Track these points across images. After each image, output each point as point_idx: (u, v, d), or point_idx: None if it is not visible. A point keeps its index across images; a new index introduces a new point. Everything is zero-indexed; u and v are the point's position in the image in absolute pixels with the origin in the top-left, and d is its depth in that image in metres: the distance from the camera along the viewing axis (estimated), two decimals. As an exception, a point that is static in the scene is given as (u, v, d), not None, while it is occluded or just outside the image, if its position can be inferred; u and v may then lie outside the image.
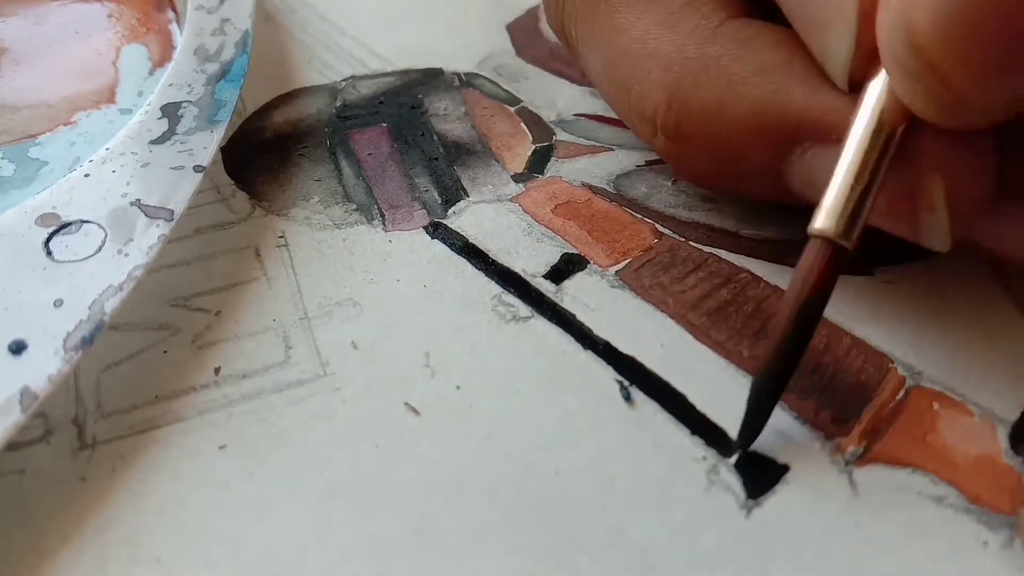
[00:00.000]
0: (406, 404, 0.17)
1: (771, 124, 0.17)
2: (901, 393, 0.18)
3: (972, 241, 0.17)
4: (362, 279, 0.20)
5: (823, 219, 0.15)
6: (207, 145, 0.20)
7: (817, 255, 0.16)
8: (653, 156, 0.23)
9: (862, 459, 0.17)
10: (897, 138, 0.15)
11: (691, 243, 0.20)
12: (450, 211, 0.21)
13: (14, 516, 0.16)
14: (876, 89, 0.16)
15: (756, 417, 0.17)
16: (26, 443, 0.17)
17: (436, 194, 0.22)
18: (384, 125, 0.24)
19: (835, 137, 0.16)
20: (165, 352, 0.18)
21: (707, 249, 0.20)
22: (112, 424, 0.17)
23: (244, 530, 0.16)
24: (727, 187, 0.20)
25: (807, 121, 0.17)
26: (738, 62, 0.17)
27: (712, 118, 0.18)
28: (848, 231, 0.15)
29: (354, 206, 0.21)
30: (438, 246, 0.20)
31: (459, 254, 0.20)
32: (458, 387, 0.18)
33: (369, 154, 0.23)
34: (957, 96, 0.14)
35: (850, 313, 0.19)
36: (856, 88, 0.16)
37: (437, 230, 0.21)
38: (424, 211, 0.21)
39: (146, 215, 0.18)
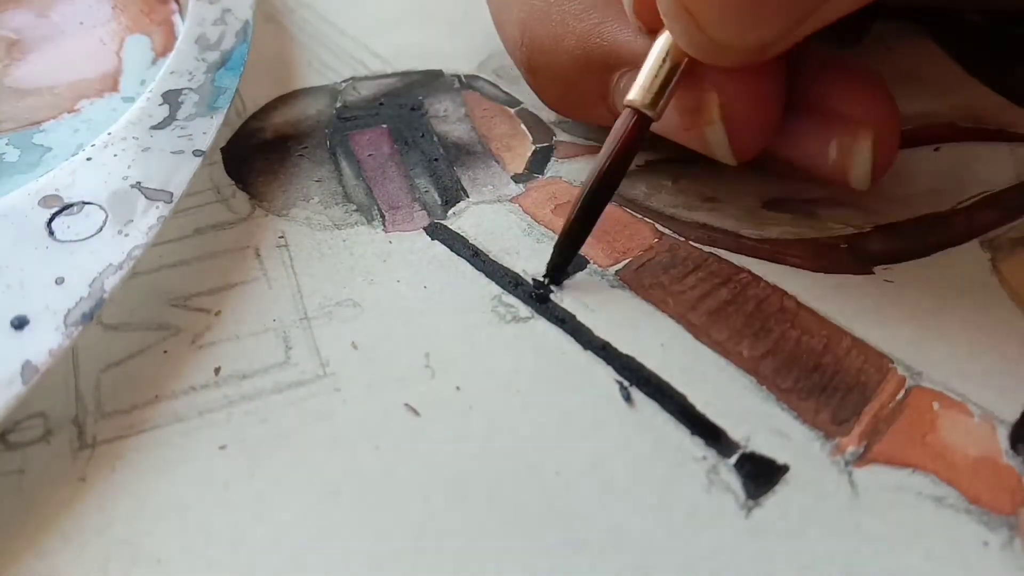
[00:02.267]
0: (406, 404, 0.17)
1: (592, 54, 0.20)
2: (901, 393, 0.18)
3: (776, 157, 0.20)
4: (362, 280, 0.20)
5: (635, 92, 0.18)
6: (206, 131, 0.21)
7: (628, 119, 0.18)
8: (653, 156, 0.23)
9: (862, 459, 0.17)
10: (682, 68, 0.18)
11: (691, 243, 0.20)
12: (450, 212, 0.21)
13: (14, 516, 0.16)
14: None
15: (562, 257, 0.19)
16: (26, 443, 0.17)
17: (436, 195, 0.22)
18: (384, 126, 0.24)
19: (642, 65, 0.18)
20: (165, 352, 0.18)
21: (707, 249, 0.20)
22: (112, 424, 0.17)
23: (244, 530, 0.16)
24: (575, 113, 0.23)
25: (621, 51, 0.19)
26: (572, 2, 0.20)
27: (551, 51, 0.21)
28: (653, 104, 0.18)
29: (354, 207, 0.22)
30: (438, 247, 0.20)
31: (459, 255, 0.20)
32: (458, 387, 0.18)
33: (369, 155, 0.23)
34: (710, 38, 0.17)
35: (850, 313, 0.19)
36: (652, 30, 0.19)
37: (437, 231, 0.21)
38: (424, 212, 0.21)
39: (146, 197, 0.19)
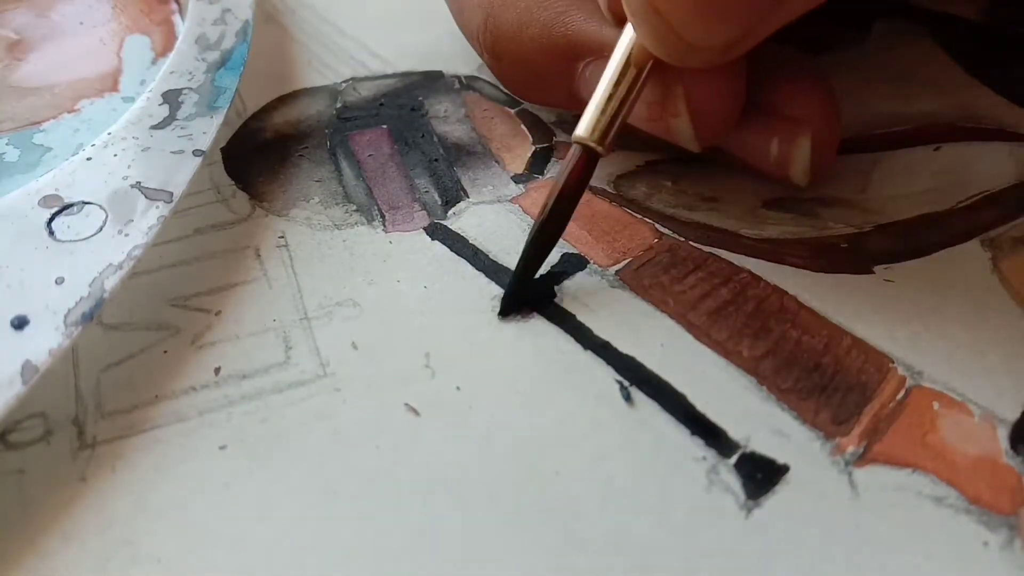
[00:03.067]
0: (406, 404, 0.17)
1: (556, 42, 0.20)
2: (901, 393, 0.18)
3: (728, 152, 0.21)
4: (362, 280, 0.20)
5: (582, 128, 0.18)
6: (206, 130, 0.21)
7: (575, 155, 0.19)
8: (653, 156, 0.23)
9: (862, 459, 0.17)
10: (647, 70, 0.18)
11: (691, 243, 0.20)
12: (450, 212, 0.21)
13: (14, 516, 0.16)
14: (630, 29, 0.18)
15: (515, 288, 0.19)
16: (26, 443, 0.17)
17: (436, 195, 0.22)
18: (384, 127, 0.24)
19: (607, 54, 0.19)
20: (165, 352, 0.18)
21: (707, 249, 0.20)
22: (112, 424, 0.17)
23: (244, 530, 0.16)
24: (539, 98, 0.23)
25: (584, 41, 0.20)
26: None
27: (515, 37, 0.21)
28: (601, 139, 0.18)
29: (354, 207, 0.22)
30: (438, 247, 0.20)
31: (459, 255, 0.20)
32: (458, 387, 0.18)
33: (369, 155, 0.23)
34: (678, 38, 0.17)
35: (850, 313, 0.19)
36: (621, 21, 0.19)
37: (437, 231, 0.21)
38: (424, 212, 0.21)
39: (146, 197, 0.19)
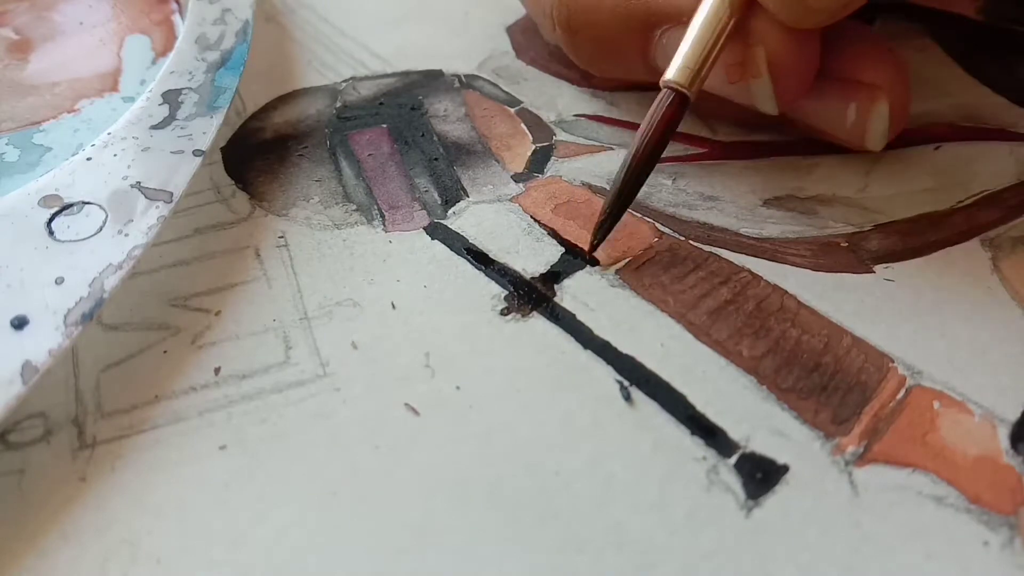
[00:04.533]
0: (406, 404, 0.17)
1: (635, 9, 0.21)
2: (901, 393, 0.18)
3: (801, 120, 0.21)
4: (362, 279, 0.20)
5: (673, 72, 0.19)
6: (206, 130, 0.21)
7: (665, 100, 0.19)
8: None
9: (862, 459, 0.16)
10: (732, 18, 0.19)
11: (691, 242, 0.20)
12: (450, 211, 0.21)
13: (14, 516, 0.16)
14: None
15: (604, 229, 0.20)
16: (26, 443, 0.17)
17: (436, 194, 0.22)
18: (384, 126, 0.24)
19: (684, 20, 0.20)
20: (165, 352, 0.18)
21: (707, 248, 0.20)
22: (112, 424, 0.17)
23: (244, 530, 0.16)
24: (612, 71, 0.23)
25: (663, 7, 0.20)
26: None
27: (592, 10, 0.22)
28: (691, 83, 0.19)
29: (354, 206, 0.22)
30: (438, 246, 0.20)
31: (459, 254, 0.20)
32: (458, 387, 0.18)
33: (369, 155, 0.23)
34: (807, 5, 0.18)
35: (850, 312, 0.19)
36: None
37: (437, 230, 0.21)
38: (424, 211, 0.21)
39: (146, 197, 0.19)
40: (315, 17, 0.28)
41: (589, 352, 0.18)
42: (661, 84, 0.19)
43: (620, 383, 0.18)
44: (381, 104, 0.25)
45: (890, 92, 0.20)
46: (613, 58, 0.22)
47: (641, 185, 0.20)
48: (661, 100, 0.19)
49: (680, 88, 0.19)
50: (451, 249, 0.20)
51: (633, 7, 0.21)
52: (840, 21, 0.19)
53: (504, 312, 0.19)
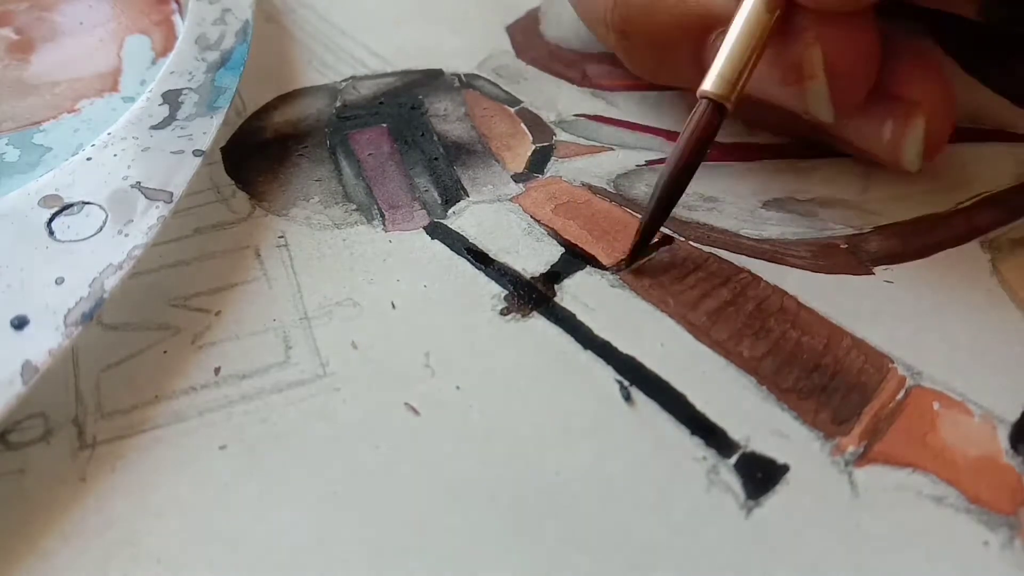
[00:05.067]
0: (406, 404, 0.17)
1: (690, 14, 0.21)
2: (901, 393, 0.18)
3: (840, 136, 0.21)
4: (362, 279, 0.20)
5: (711, 83, 0.19)
6: (206, 130, 0.21)
7: (703, 111, 0.19)
8: (653, 156, 0.23)
9: (862, 459, 0.17)
10: (773, 22, 0.19)
11: (691, 243, 0.20)
12: (450, 211, 0.21)
13: (14, 516, 0.16)
14: None
15: (643, 241, 0.20)
16: (26, 443, 0.17)
17: (436, 194, 0.22)
18: (384, 125, 0.24)
19: None
20: (165, 352, 0.18)
21: (707, 249, 0.20)
22: (112, 424, 0.17)
23: (244, 530, 0.16)
24: (667, 77, 0.23)
25: (719, 10, 0.20)
26: None
27: (647, 14, 0.21)
28: (728, 94, 0.19)
29: (354, 206, 0.22)
30: (438, 246, 0.20)
31: (459, 254, 0.20)
32: (458, 387, 0.18)
33: (369, 154, 0.23)
34: None
35: (850, 313, 0.19)
36: None
37: (437, 230, 0.21)
38: (424, 211, 0.21)
39: (146, 197, 0.19)
40: (315, 17, 0.28)
41: (589, 352, 0.18)
42: (698, 95, 0.19)
43: (620, 383, 0.18)
44: (381, 103, 0.25)
45: (929, 110, 0.20)
46: (668, 61, 0.22)
47: (679, 197, 0.20)
48: (698, 111, 0.19)
49: (717, 99, 0.19)
50: (451, 249, 0.20)
51: (690, 7, 0.20)
52: (899, 34, 0.19)
53: (504, 312, 0.19)
